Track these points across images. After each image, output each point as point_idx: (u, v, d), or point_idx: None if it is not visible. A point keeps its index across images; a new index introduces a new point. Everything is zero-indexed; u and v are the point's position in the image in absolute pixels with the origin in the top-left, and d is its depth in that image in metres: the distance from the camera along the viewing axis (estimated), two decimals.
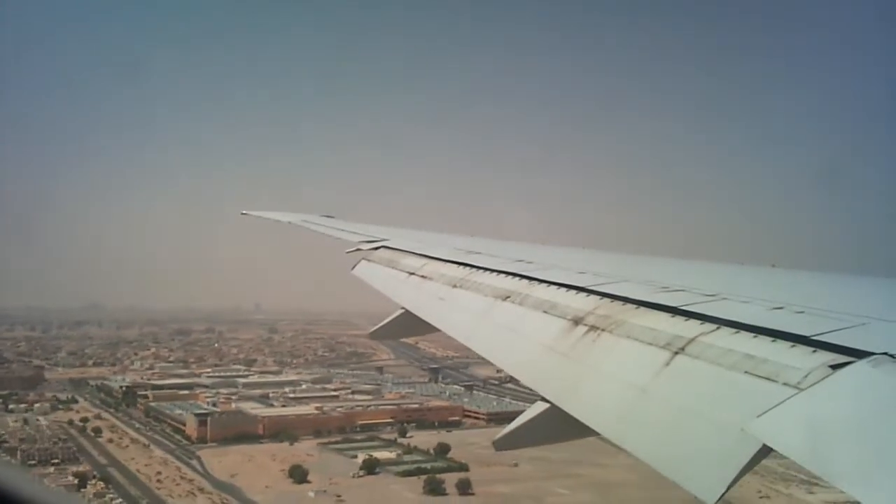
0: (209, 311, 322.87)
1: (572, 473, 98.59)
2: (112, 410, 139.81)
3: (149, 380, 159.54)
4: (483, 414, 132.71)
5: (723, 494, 3.32)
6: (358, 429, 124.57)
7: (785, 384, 3.53)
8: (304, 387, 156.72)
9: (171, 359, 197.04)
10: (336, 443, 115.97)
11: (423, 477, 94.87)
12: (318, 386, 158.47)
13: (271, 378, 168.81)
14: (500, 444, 5.39)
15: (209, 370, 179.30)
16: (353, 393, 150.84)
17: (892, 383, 3.24)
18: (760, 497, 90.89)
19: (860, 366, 3.42)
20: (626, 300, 5.43)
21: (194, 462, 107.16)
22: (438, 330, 7.75)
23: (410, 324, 8.57)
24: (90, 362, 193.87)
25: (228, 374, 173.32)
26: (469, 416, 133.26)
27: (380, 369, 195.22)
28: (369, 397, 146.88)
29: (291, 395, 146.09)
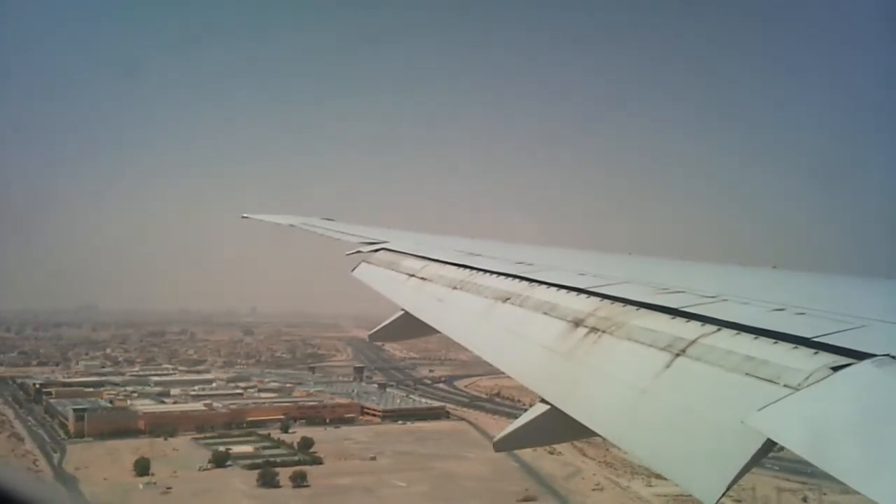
0: (204, 314, 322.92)
1: (425, 467, 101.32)
2: (17, 407, 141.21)
3: (69, 378, 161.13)
4: (379, 411, 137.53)
5: (722, 495, 3.33)
6: (244, 425, 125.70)
7: (786, 386, 3.52)
8: (213, 385, 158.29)
9: (120, 359, 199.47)
10: (211, 438, 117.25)
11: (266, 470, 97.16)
12: (231, 384, 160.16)
13: (192, 377, 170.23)
14: (500, 446, 5.38)
15: (137, 369, 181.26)
16: (259, 391, 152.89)
17: (894, 385, 3.24)
18: (594, 489, 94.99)
19: (861, 367, 3.42)
20: (626, 302, 5.43)
21: (56, 455, 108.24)
22: (438, 332, 7.75)
23: (410, 326, 8.57)
24: (35, 362, 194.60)
25: (152, 373, 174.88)
26: (367, 414, 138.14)
27: (312, 369, 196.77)
28: (274, 395, 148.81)
29: (193, 393, 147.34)
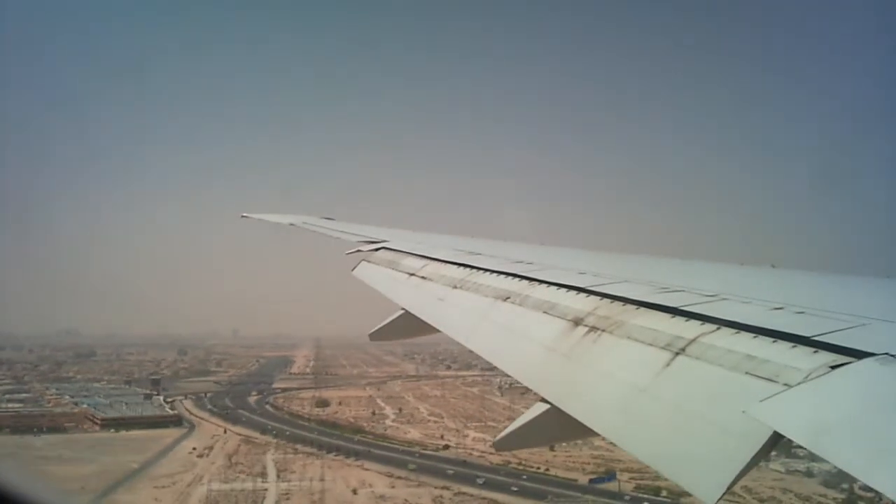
0: (180, 336, 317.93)
1: (31, 470, 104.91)
2: None
3: None
4: (99, 420, 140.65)
5: (722, 495, 3.32)
6: None
7: (786, 385, 3.52)
8: None
9: None
10: None
11: None
12: (10, 396, 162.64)
13: None
14: (500, 446, 5.37)
15: None
16: (9, 402, 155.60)
17: (893, 384, 3.24)
18: (197, 455, 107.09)
19: (860, 366, 3.41)
20: (626, 301, 5.42)
21: None
22: (438, 331, 7.75)
23: (410, 325, 8.57)
24: None
25: None
26: (92, 422, 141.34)
27: (128, 383, 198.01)
28: (20, 405, 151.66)
29: None
